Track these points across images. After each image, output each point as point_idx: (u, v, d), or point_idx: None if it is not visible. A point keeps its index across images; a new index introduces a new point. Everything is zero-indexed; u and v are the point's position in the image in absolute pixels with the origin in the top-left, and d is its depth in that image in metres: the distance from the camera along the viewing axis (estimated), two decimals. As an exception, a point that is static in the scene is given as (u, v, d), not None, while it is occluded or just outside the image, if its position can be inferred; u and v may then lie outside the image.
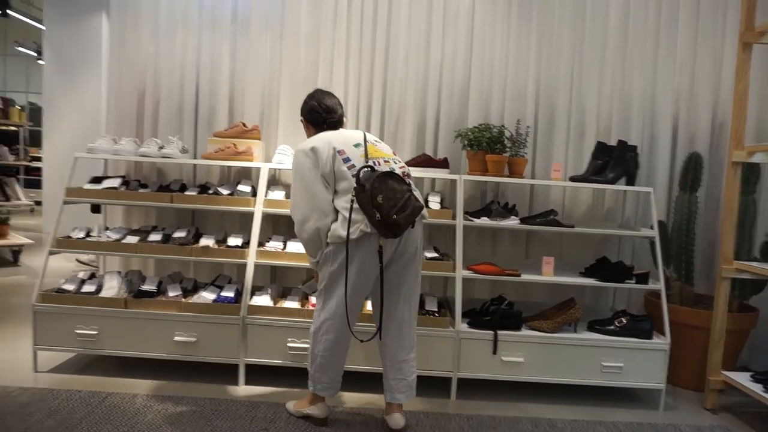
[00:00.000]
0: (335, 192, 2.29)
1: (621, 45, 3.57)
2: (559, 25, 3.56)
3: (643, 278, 3.02)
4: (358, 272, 2.26)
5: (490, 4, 3.56)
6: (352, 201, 2.18)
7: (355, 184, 2.19)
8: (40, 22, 8.41)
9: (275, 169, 3.49)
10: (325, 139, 2.33)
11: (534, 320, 3.00)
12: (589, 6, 3.56)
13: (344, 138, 2.35)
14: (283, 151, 3.24)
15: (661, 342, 2.92)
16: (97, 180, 3.36)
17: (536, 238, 3.64)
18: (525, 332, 2.92)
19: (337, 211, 2.27)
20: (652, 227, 3.12)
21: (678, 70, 3.55)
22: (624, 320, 2.97)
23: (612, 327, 2.97)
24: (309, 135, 2.51)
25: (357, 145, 2.32)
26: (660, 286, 3.00)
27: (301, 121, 2.58)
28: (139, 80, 3.63)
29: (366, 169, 2.21)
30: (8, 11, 8.76)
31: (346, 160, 2.26)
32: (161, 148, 3.25)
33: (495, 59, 3.57)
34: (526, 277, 3.00)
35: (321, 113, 2.46)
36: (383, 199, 2.11)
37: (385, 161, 2.31)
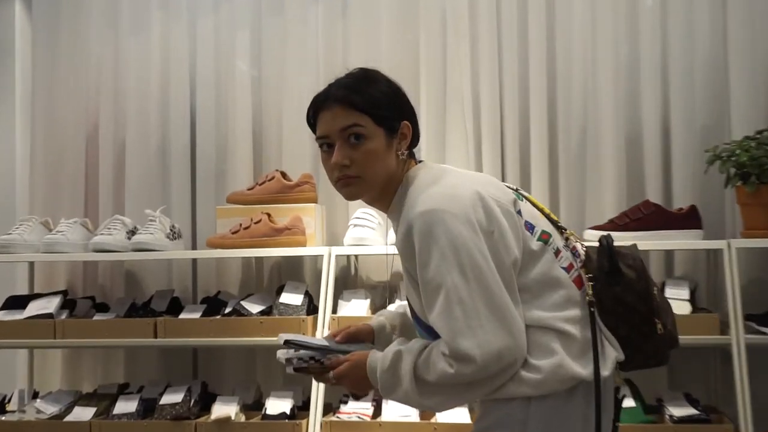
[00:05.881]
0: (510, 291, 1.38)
1: None
2: None
3: None
4: None
5: None
6: (591, 313, 1.35)
7: (568, 275, 1.33)
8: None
9: (351, 257, 2.40)
10: (491, 192, 1.33)
11: None
12: None
13: (501, 190, 1.40)
14: (363, 219, 2.20)
15: None
16: (16, 303, 2.40)
17: None
18: None
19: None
20: None
21: None
22: None
23: None
24: (390, 159, 1.34)
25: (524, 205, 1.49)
26: None
27: (397, 132, 1.32)
28: (85, 109, 2.60)
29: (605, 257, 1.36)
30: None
31: (537, 231, 1.39)
32: (132, 233, 2.36)
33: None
34: None
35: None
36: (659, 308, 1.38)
37: (574, 237, 1.49)
